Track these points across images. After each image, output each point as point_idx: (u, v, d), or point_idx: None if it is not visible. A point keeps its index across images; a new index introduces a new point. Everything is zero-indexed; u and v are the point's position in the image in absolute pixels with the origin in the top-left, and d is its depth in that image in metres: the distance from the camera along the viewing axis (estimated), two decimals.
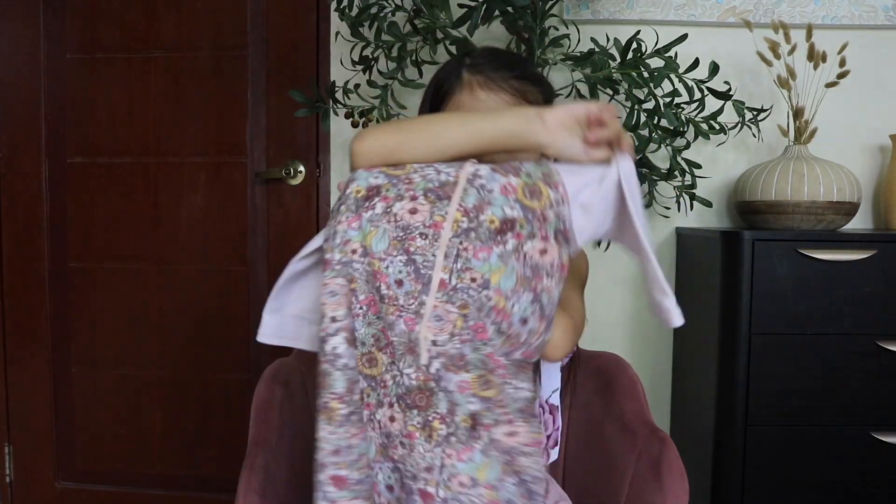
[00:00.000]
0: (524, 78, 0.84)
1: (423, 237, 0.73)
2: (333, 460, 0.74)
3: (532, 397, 0.76)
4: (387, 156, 0.77)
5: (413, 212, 0.73)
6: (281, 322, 0.85)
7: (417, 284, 0.72)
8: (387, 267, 0.73)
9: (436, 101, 0.86)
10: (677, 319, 0.73)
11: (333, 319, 0.75)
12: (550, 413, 0.93)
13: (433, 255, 0.72)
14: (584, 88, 1.42)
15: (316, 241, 0.81)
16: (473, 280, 0.72)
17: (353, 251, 0.74)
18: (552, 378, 0.99)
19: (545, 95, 0.87)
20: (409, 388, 0.73)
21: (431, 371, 0.72)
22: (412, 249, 0.73)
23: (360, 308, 0.74)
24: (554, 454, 0.98)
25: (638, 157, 1.45)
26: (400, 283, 0.73)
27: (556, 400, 0.99)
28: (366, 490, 0.76)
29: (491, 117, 0.76)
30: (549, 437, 0.94)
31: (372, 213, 0.74)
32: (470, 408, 0.73)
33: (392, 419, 0.74)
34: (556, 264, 0.73)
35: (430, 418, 0.73)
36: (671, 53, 1.34)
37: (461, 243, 0.72)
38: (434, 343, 0.72)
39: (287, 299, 0.85)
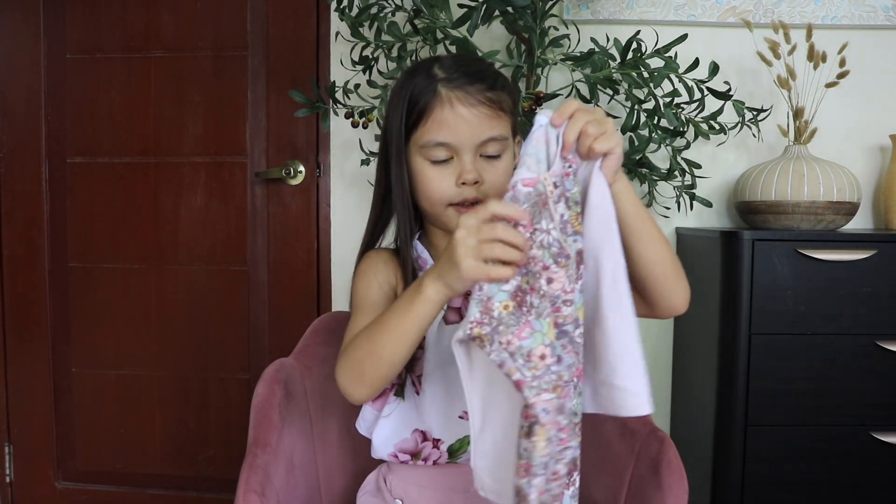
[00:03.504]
0: (496, 87, 0.84)
1: (567, 304, 0.69)
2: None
3: None
4: (381, 387, 0.80)
5: (549, 282, 0.69)
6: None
7: (573, 355, 0.69)
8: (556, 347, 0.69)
9: (411, 117, 0.84)
10: (645, 407, 0.69)
11: (554, 440, 0.70)
12: None
13: (577, 319, 0.70)
14: (583, 88, 1.42)
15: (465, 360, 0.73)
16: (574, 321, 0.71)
17: (542, 357, 0.68)
18: None
19: (512, 97, 0.88)
20: (566, 459, 0.71)
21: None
22: (560, 321, 0.69)
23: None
24: None
25: (638, 158, 1.45)
26: (560, 359, 0.68)
27: None
28: None
29: (414, 302, 0.73)
30: None
31: (535, 310, 0.68)
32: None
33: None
34: None
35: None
36: (671, 53, 1.34)
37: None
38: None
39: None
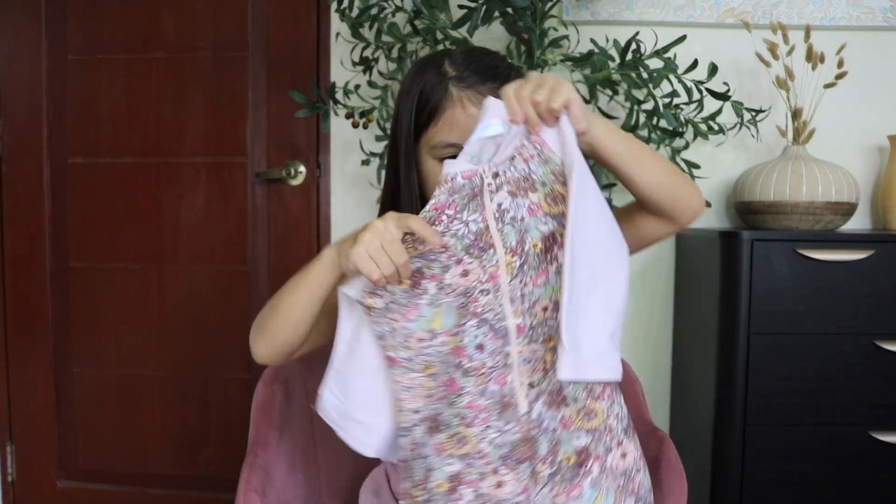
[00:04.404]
0: (508, 83, 0.83)
1: (485, 293, 0.71)
2: None
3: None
4: (280, 349, 0.85)
5: (465, 274, 0.71)
6: (343, 413, 0.79)
7: (497, 340, 0.71)
8: (461, 340, 0.71)
9: (421, 116, 0.83)
10: (562, 372, 0.65)
11: (415, 411, 0.73)
12: None
13: (500, 306, 0.71)
14: (583, 89, 1.42)
15: (345, 326, 0.76)
16: (545, 309, 0.70)
17: (420, 339, 0.72)
18: None
19: None
20: (512, 444, 0.72)
21: (533, 417, 0.71)
22: (479, 311, 0.71)
23: (443, 390, 0.72)
24: None
25: None
26: (481, 347, 0.71)
27: None
28: None
29: (312, 264, 0.80)
30: None
31: (428, 297, 0.72)
32: (576, 444, 0.72)
33: (500, 485, 0.72)
34: None
35: (535, 465, 0.72)
36: (670, 54, 1.34)
37: (521, 282, 0.71)
38: (531, 385, 0.71)
39: (348, 387, 0.78)
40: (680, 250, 1.67)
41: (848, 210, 1.45)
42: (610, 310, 0.68)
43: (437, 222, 0.71)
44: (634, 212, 0.82)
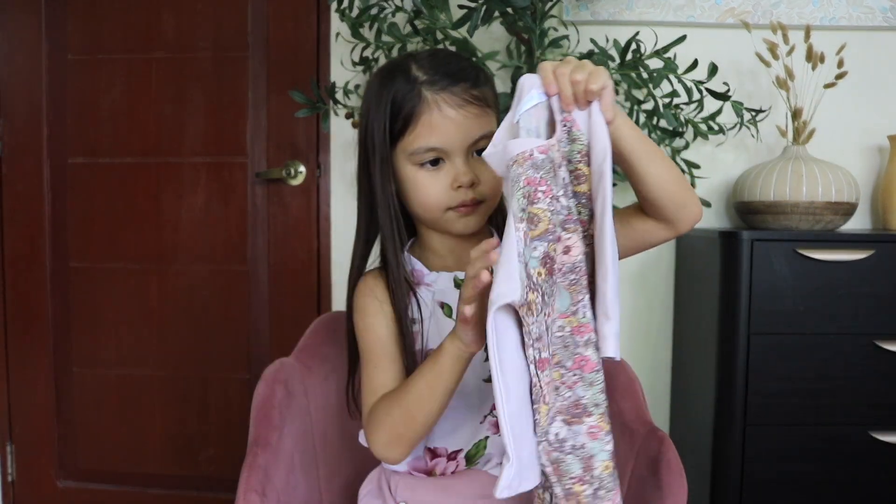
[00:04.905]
0: (479, 84, 0.83)
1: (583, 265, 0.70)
2: None
3: None
4: (416, 445, 0.83)
5: (567, 251, 0.69)
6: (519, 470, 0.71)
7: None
8: (582, 317, 0.69)
9: (396, 124, 0.82)
10: (608, 350, 0.67)
11: (550, 409, 0.70)
12: None
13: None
14: None
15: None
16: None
17: (565, 331, 0.70)
18: None
19: (493, 90, 0.87)
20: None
21: None
22: (584, 285, 0.69)
23: (575, 374, 0.69)
24: None
25: None
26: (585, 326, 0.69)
27: None
28: None
29: (435, 363, 0.78)
30: None
31: (560, 281, 0.69)
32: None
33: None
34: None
35: None
36: (670, 54, 1.34)
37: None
38: None
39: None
40: (680, 250, 1.67)
41: (848, 210, 1.45)
42: (617, 290, 0.69)
43: (534, 199, 0.69)
44: (633, 215, 0.83)
